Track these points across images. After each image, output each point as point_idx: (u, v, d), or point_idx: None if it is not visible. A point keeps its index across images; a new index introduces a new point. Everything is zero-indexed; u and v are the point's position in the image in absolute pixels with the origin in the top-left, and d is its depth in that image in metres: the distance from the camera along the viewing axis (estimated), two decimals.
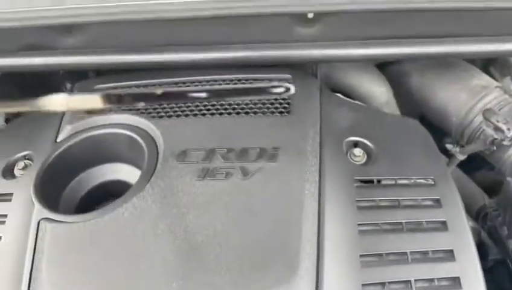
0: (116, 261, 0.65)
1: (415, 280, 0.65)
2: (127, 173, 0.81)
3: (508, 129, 0.82)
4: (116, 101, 0.57)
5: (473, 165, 1.17)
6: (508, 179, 0.89)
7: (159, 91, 0.55)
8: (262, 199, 0.70)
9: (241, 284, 0.60)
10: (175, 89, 0.56)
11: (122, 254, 0.65)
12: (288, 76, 0.91)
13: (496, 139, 0.84)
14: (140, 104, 0.70)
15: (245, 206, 0.68)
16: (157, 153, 0.76)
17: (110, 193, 0.79)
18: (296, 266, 0.62)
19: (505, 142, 0.86)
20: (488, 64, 1.12)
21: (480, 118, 0.92)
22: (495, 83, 0.98)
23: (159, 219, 0.66)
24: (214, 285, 0.60)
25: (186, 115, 0.83)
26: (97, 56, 0.90)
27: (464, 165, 1.15)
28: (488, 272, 0.97)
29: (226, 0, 0.83)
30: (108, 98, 0.56)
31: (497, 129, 0.83)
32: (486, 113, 0.85)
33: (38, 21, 0.84)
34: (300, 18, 0.86)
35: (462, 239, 0.71)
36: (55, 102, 0.58)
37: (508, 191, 0.89)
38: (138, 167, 0.78)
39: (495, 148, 0.87)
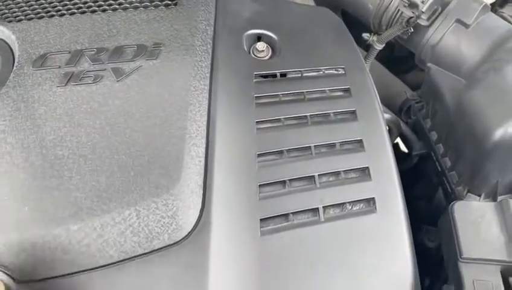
0: None
1: (319, 175, 0.58)
2: None
3: (423, 2, 0.73)
4: None
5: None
6: (429, 65, 0.81)
7: None
8: (139, 101, 0.59)
9: (110, 198, 0.50)
10: None
11: None
12: None
13: (412, 17, 0.75)
14: None
15: (117, 112, 0.57)
16: (13, 62, 0.63)
17: None
18: (178, 172, 0.53)
19: (422, 22, 0.77)
20: None
21: (397, 1, 0.83)
22: None
23: (7, 135, 0.54)
24: (76, 203, 0.49)
25: (51, 16, 0.69)
26: None
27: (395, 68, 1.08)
28: (415, 167, 0.93)
29: None
30: None
31: (412, 5, 0.74)
32: None
33: None
34: None
35: (373, 127, 0.64)
36: None
37: (429, 79, 0.82)
38: None
39: (412, 30, 0.79)
